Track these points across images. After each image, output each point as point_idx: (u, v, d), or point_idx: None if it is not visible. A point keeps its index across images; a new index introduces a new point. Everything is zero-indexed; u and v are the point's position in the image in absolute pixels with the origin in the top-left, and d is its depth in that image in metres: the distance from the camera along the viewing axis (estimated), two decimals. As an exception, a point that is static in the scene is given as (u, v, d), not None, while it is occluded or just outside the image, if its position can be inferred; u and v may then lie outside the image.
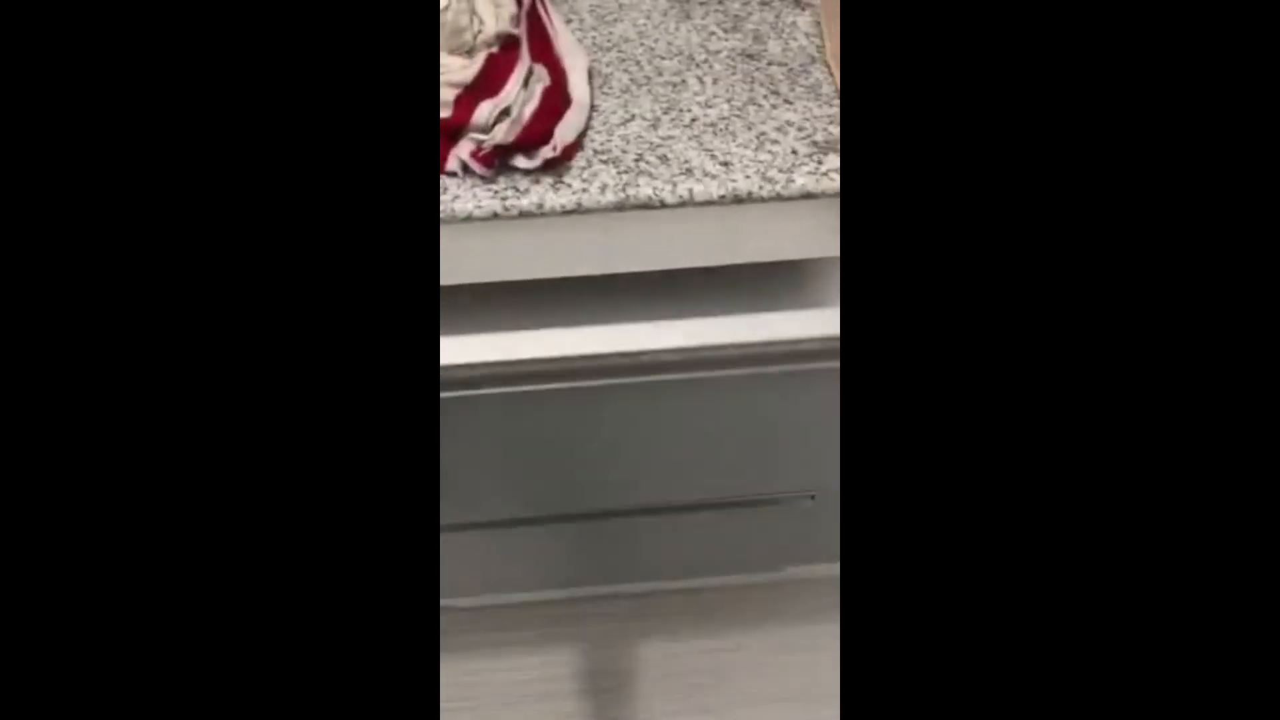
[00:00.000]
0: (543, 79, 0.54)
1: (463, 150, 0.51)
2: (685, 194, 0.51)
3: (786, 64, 0.58)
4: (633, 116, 0.55)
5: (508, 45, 0.56)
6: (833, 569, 1.08)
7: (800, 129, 0.54)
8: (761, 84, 0.57)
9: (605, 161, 0.52)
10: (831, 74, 0.57)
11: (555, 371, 0.53)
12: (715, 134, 0.54)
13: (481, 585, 1.01)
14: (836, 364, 0.55)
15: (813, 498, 0.86)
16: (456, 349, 0.56)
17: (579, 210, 0.51)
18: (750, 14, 0.62)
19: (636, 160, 0.52)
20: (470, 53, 0.55)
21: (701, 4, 0.63)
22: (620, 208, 0.51)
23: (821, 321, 0.56)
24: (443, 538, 0.73)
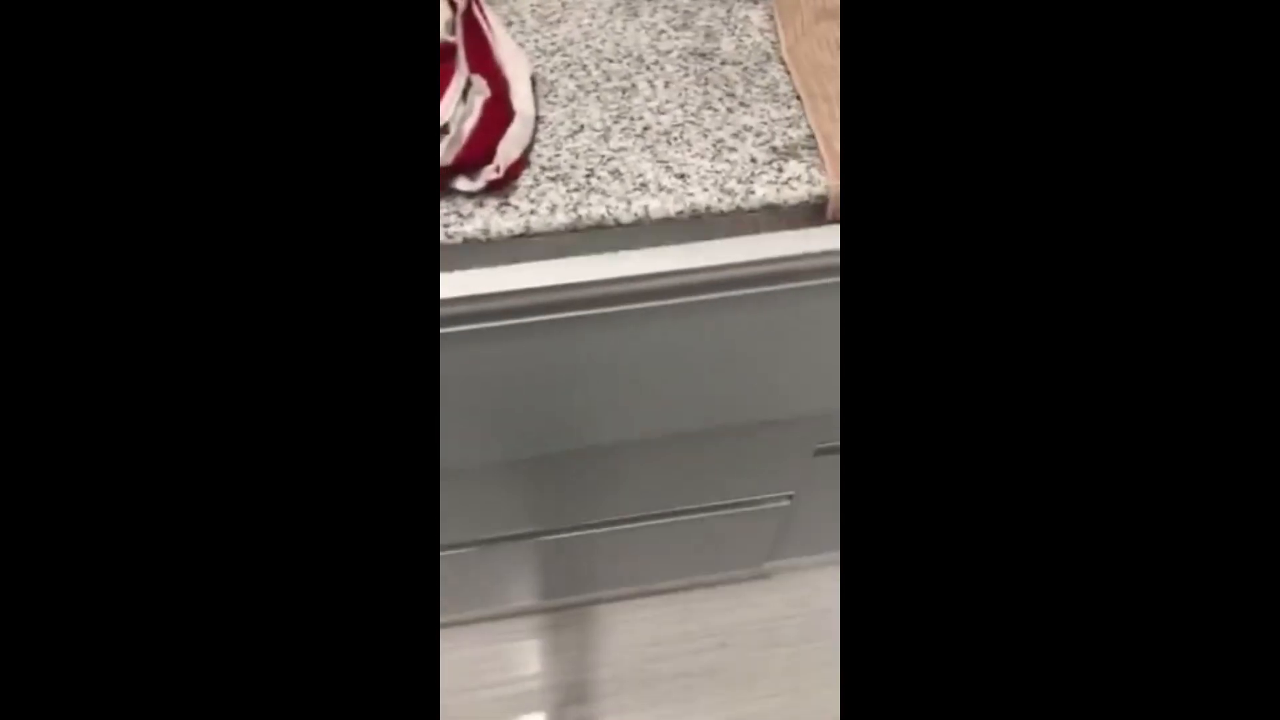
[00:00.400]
0: (482, 91, 0.51)
1: (399, 175, 0.48)
2: (640, 211, 0.48)
3: (741, 63, 0.55)
4: (581, 127, 0.52)
5: (442, 54, 0.52)
6: (812, 560, 1.08)
7: (758, 134, 0.51)
8: (716, 85, 0.54)
9: (554, 179, 0.49)
10: (788, 71, 0.54)
11: (541, 304, 0.50)
12: (669, 143, 0.51)
13: (464, 601, 0.98)
14: (831, 280, 0.52)
15: (790, 497, 0.84)
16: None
17: (528, 234, 0.47)
18: (700, 9, 0.59)
19: (587, 176, 0.49)
20: (402, 66, 0.51)
21: (649, 0, 0.60)
22: (573, 229, 0.48)
23: (816, 239, 0.50)
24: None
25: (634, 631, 1.07)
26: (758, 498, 0.83)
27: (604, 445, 0.66)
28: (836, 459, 0.78)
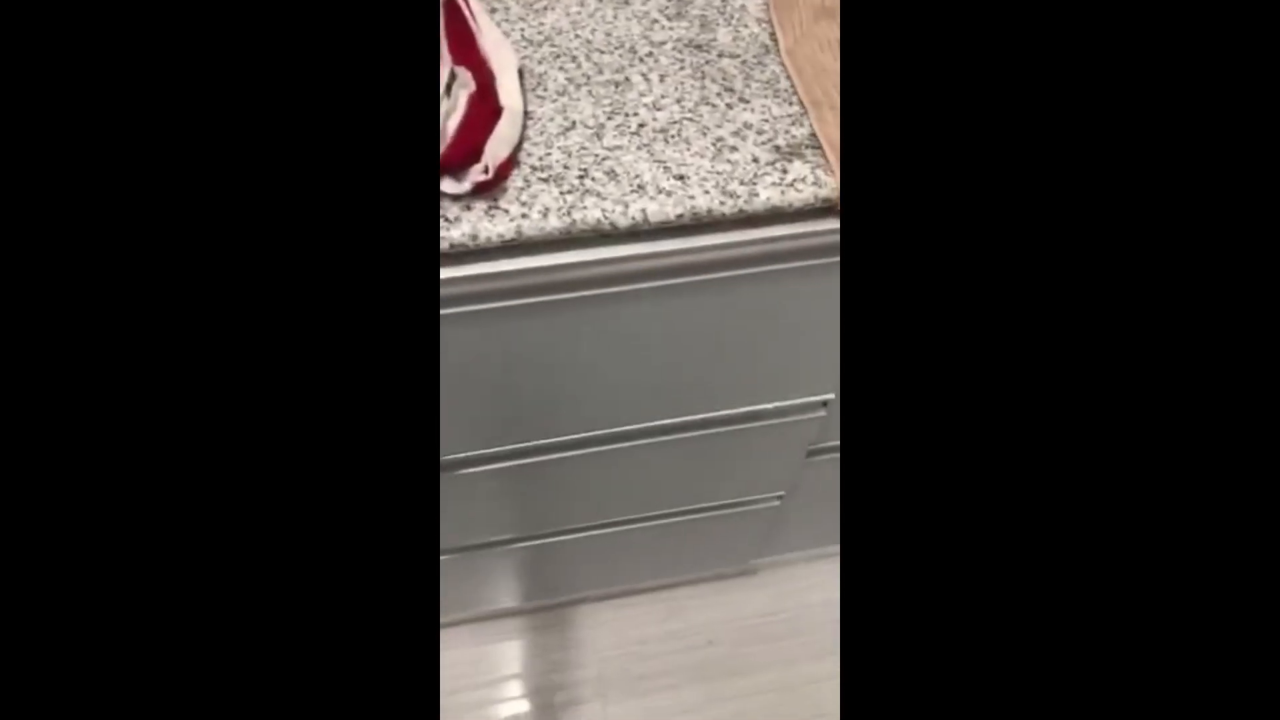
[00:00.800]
0: (467, 84, 0.48)
1: (380, 175, 0.45)
2: (638, 215, 0.45)
3: (739, 55, 0.53)
4: (573, 124, 0.49)
5: (424, 46, 0.49)
6: (800, 555, 1.07)
7: (760, 132, 0.49)
8: (714, 79, 0.51)
9: (545, 180, 0.46)
10: (787, 68, 0.52)
11: (535, 285, 0.48)
12: (667, 141, 0.48)
13: (450, 604, 0.96)
14: (830, 260, 0.50)
15: (780, 497, 0.83)
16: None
17: (519, 240, 0.45)
18: (695, -3, 0.56)
19: (581, 177, 0.46)
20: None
21: (640, -14, 0.57)
22: (566, 234, 0.45)
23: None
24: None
25: (620, 631, 1.05)
26: (749, 498, 0.81)
27: (599, 437, 0.64)
28: (829, 460, 0.77)
